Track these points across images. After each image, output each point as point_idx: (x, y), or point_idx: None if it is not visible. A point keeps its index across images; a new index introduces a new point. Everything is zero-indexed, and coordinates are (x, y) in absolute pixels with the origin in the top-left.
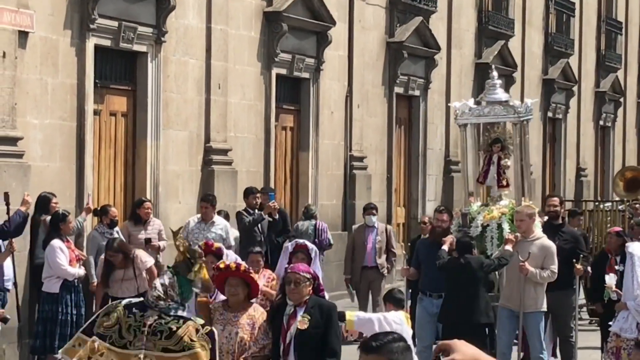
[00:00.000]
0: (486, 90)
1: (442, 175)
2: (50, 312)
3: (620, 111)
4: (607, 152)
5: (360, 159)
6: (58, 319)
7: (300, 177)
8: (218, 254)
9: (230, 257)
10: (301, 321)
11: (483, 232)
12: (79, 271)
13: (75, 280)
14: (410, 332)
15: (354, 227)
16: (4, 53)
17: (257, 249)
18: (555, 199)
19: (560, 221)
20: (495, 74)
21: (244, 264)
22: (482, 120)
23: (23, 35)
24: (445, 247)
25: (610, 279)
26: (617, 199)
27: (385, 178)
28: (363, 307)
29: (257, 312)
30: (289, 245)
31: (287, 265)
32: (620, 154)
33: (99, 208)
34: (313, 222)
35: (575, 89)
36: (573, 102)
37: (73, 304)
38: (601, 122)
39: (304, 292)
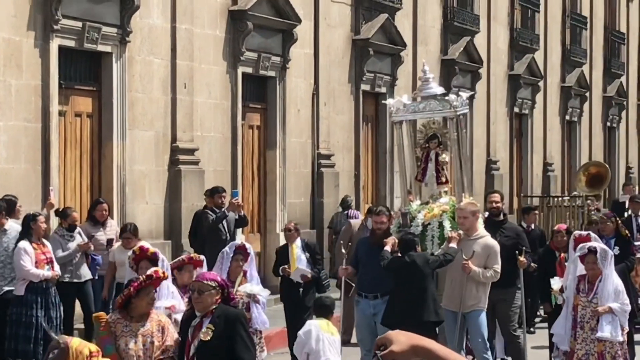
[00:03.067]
0: (420, 85)
1: None
2: (17, 315)
3: (586, 106)
4: (574, 147)
5: (328, 156)
6: (22, 321)
7: (267, 176)
8: (153, 259)
9: (165, 264)
10: (204, 332)
11: (424, 231)
12: (45, 273)
13: (44, 283)
14: (324, 336)
15: (353, 222)
16: None
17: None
18: (497, 195)
19: (501, 217)
20: (427, 68)
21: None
22: (417, 116)
23: None
24: (387, 248)
25: (556, 283)
26: (571, 194)
27: (353, 175)
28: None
29: (162, 317)
30: (227, 249)
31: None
32: (587, 148)
33: (60, 209)
34: (345, 212)
35: (541, 84)
36: (539, 97)
37: (39, 306)
38: (567, 117)
39: (208, 301)
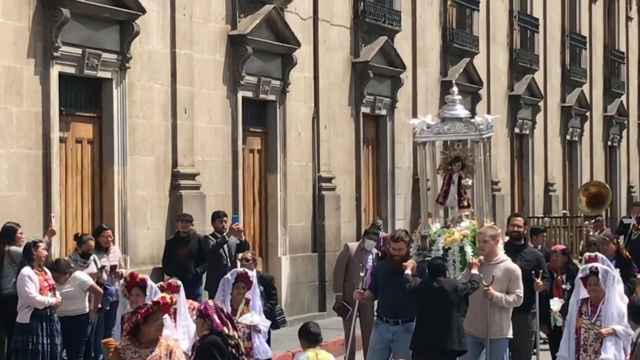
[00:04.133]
0: (445, 107)
1: (410, 194)
2: (22, 343)
3: (586, 125)
4: (575, 167)
5: (329, 179)
6: (28, 349)
7: (269, 200)
8: (142, 285)
9: (154, 290)
10: (192, 358)
11: (445, 255)
12: (50, 300)
13: (48, 310)
14: None
15: (351, 244)
16: None
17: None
18: (520, 219)
19: (522, 242)
20: (455, 89)
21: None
22: (442, 137)
23: None
24: (408, 272)
25: (555, 304)
26: (565, 215)
27: (354, 198)
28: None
29: (170, 341)
30: (229, 276)
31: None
32: (588, 167)
33: (79, 234)
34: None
35: (541, 104)
36: (539, 117)
37: (45, 333)
38: (568, 137)
39: (197, 329)
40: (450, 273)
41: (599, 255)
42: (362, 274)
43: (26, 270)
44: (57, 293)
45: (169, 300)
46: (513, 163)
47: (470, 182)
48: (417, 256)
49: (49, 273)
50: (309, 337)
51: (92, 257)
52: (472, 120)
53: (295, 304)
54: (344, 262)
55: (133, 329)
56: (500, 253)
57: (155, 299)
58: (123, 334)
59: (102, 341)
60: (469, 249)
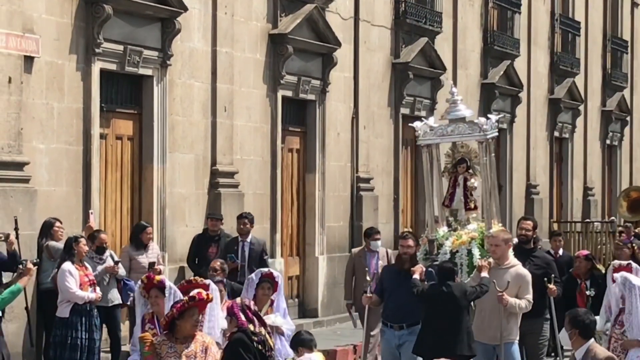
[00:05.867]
0: (447, 108)
1: None
2: (61, 337)
3: (626, 130)
4: (614, 171)
5: (367, 180)
6: (67, 343)
7: (307, 199)
8: (160, 287)
9: (173, 291)
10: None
11: (452, 258)
12: (90, 295)
13: (88, 305)
14: None
15: (354, 250)
16: (10, 78)
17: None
18: (529, 222)
19: (531, 245)
20: (455, 90)
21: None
22: (445, 139)
23: (29, 60)
24: (416, 276)
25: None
26: (605, 220)
27: (392, 199)
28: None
29: (206, 338)
30: (253, 276)
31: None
32: (628, 172)
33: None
34: None
35: (581, 108)
36: (579, 121)
37: (84, 328)
38: (608, 141)
39: (229, 327)
40: (458, 276)
41: (633, 263)
42: (368, 278)
43: (67, 265)
44: (97, 288)
45: (205, 297)
46: (552, 167)
47: (476, 184)
48: (425, 261)
49: (90, 268)
50: (304, 343)
51: (107, 252)
52: (476, 121)
53: (331, 304)
54: (351, 270)
55: (169, 324)
56: (511, 257)
57: (191, 294)
58: (161, 330)
59: (139, 336)
60: (476, 252)
